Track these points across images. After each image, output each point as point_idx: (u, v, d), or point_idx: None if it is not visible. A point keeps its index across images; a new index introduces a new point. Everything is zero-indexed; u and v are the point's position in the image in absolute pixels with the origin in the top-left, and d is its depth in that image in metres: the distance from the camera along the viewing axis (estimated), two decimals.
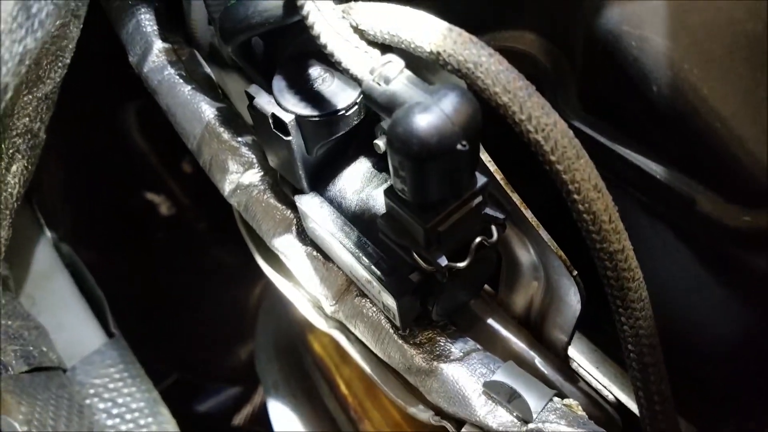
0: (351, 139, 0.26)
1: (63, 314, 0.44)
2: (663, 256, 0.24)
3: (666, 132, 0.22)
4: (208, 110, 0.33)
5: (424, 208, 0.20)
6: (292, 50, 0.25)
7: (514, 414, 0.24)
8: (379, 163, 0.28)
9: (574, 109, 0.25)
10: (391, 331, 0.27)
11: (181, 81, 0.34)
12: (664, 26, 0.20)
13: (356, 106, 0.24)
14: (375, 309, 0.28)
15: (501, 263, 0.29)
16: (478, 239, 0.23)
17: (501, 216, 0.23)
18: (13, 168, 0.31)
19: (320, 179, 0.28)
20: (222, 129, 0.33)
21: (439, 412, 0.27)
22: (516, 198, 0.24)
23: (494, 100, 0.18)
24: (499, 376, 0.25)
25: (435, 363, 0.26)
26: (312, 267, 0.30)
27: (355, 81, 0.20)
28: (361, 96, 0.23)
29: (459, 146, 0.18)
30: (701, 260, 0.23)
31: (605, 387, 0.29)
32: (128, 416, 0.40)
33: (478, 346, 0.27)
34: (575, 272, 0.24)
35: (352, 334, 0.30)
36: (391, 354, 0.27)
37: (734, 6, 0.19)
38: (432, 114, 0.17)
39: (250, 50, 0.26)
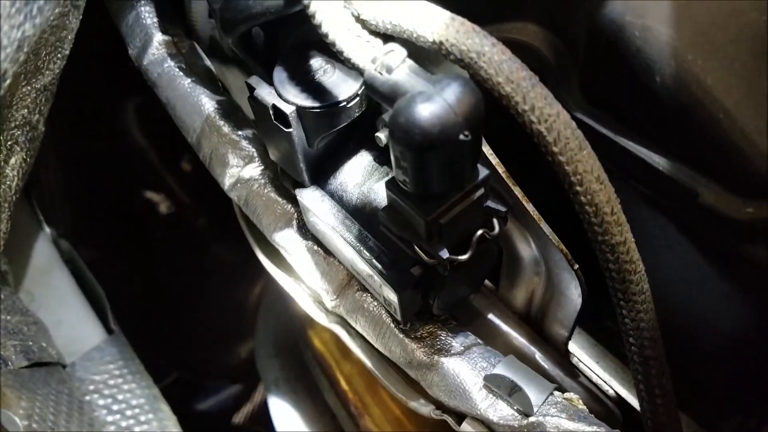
0: (352, 132, 0.26)
1: (62, 310, 0.44)
2: (665, 248, 0.24)
3: (669, 123, 0.22)
4: (208, 103, 0.33)
5: (425, 200, 0.20)
6: (293, 41, 0.25)
7: (515, 407, 0.24)
8: (381, 157, 0.28)
9: (577, 100, 0.25)
10: (392, 325, 0.27)
11: (181, 74, 0.34)
12: (668, 16, 0.20)
13: (358, 98, 0.24)
14: (376, 303, 0.28)
15: (502, 257, 0.29)
16: (479, 232, 0.23)
17: (503, 209, 0.23)
18: (12, 160, 0.31)
19: (321, 172, 0.28)
20: (222, 122, 0.33)
21: (439, 406, 0.27)
22: (518, 191, 0.24)
23: (497, 90, 0.17)
24: (500, 370, 0.24)
25: (436, 357, 0.26)
26: (313, 261, 0.30)
27: (357, 71, 0.20)
28: (363, 87, 0.23)
29: (461, 136, 0.18)
30: (703, 252, 0.23)
31: (605, 382, 0.29)
32: (128, 412, 0.40)
33: (479, 340, 0.27)
34: (576, 266, 0.24)
35: (353, 328, 0.30)
36: (392, 348, 0.27)
37: None
38: (434, 104, 0.17)
39: (250, 41, 0.26)
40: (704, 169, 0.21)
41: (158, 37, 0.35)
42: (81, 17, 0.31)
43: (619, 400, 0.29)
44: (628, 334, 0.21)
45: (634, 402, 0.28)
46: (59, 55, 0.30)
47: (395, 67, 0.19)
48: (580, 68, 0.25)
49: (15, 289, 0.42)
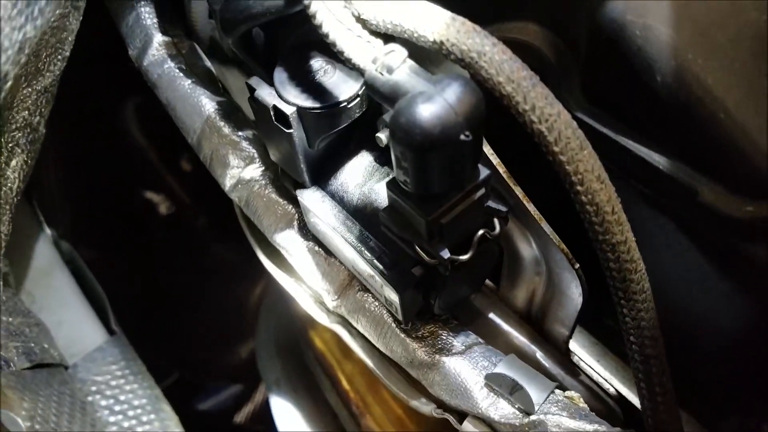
0: (353, 133, 0.26)
1: (63, 312, 0.44)
2: (665, 248, 0.24)
3: (669, 122, 0.22)
4: (208, 104, 0.33)
5: (426, 200, 0.20)
6: (294, 41, 0.25)
7: (516, 406, 0.24)
8: (381, 157, 0.28)
9: (578, 100, 0.25)
10: (393, 325, 0.27)
11: (181, 74, 0.34)
12: (669, 15, 0.20)
13: (358, 98, 0.24)
14: (377, 303, 0.28)
15: (503, 257, 0.29)
16: (480, 232, 0.23)
17: (503, 209, 0.23)
18: (13, 162, 0.31)
19: (322, 173, 0.28)
20: (222, 123, 0.33)
21: (441, 405, 0.27)
22: (518, 191, 0.24)
23: (498, 89, 0.17)
24: (501, 369, 0.25)
25: (437, 356, 0.26)
26: (314, 262, 0.30)
27: (358, 71, 0.20)
28: (364, 88, 0.23)
29: (462, 136, 0.18)
30: (703, 251, 0.23)
31: (606, 380, 0.29)
32: (131, 413, 0.40)
33: (480, 339, 0.27)
34: (577, 265, 0.24)
35: (354, 328, 0.30)
36: (393, 348, 0.27)
37: None
38: (435, 104, 0.17)
39: (250, 41, 0.26)
40: (704, 168, 0.21)
41: (158, 38, 0.35)
42: (81, 18, 0.31)
43: (619, 398, 0.29)
44: (628, 332, 0.21)
45: (635, 400, 0.28)
46: (60, 57, 0.30)
47: (396, 68, 0.19)
48: (580, 68, 0.25)
49: (16, 291, 0.43)
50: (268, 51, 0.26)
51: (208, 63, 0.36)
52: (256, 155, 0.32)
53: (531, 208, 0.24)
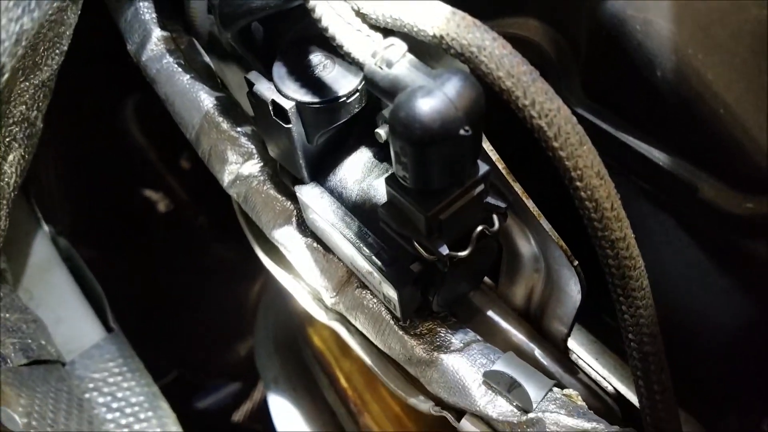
0: (352, 128, 0.26)
1: (61, 308, 0.44)
2: (665, 244, 0.24)
3: (669, 118, 0.22)
4: (207, 99, 0.33)
5: (425, 196, 0.20)
6: (293, 36, 0.25)
7: (514, 403, 0.24)
8: (380, 153, 0.27)
9: (578, 95, 0.25)
10: (392, 322, 0.27)
11: (180, 70, 0.34)
12: (669, 11, 0.20)
13: (357, 93, 0.24)
14: (375, 300, 0.28)
15: (501, 254, 0.29)
16: (479, 228, 0.23)
17: (502, 205, 0.23)
18: (10, 157, 0.31)
19: (321, 169, 0.28)
20: (221, 118, 0.33)
21: (439, 402, 0.27)
22: (518, 187, 0.24)
23: (498, 84, 0.17)
24: (499, 366, 0.24)
25: (435, 353, 0.26)
26: (312, 258, 0.30)
27: (357, 65, 0.20)
28: (363, 83, 0.23)
29: (462, 131, 0.17)
30: (703, 248, 0.23)
31: (604, 378, 0.29)
32: (128, 410, 0.40)
33: (478, 337, 0.27)
34: (576, 262, 0.24)
35: (353, 326, 0.30)
36: (391, 345, 0.27)
37: None
38: (435, 98, 0.17)
39: (249, 36, 0.26)
40: (704, 165, 0.21)
41: (157, 33, 0.35)
42: (79, 13, 0.31)
43: (618, 396, 0.29)
44: (627, 330, 0.21)
45: (633, 398, 0.28)
46: (57, 51, 0.30)
47: (395, 62, 0.19)
48: (581, 63, 0.25)
49: (14, 287, 0.42)
50: (267, 46, 0.26)
51: (207, 58, 0.36)
52: (254, 151, 0.32)
53: (530, 204, 0.24)
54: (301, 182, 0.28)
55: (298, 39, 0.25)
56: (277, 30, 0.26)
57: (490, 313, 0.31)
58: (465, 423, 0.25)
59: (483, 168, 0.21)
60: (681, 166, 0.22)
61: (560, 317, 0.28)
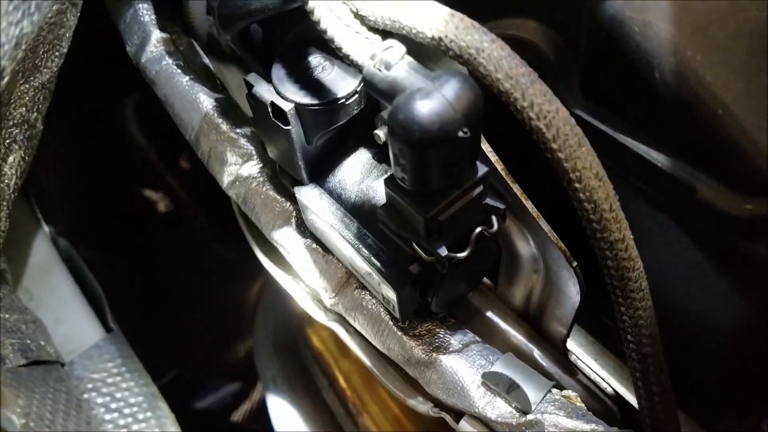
0: (351, 130, 0.26)
1: (61, 309, 0.44)
2: (663, 245, 0.24)
3: (668, 119, 0.22)
4: (206, 101, 0.33)
5: (424, 197, 0.20)
6: (292, 38, 0.25)
7: (513, 405, 0.24)
8: (379, 154, 0.27)
9: (576, 97, 0.25)
10: (391, 323, 0.27)
11: (179, 71, 0.34)
12: (668, 12, 0.20)
13: (356, 95, 0.24)
14: (374, 301, 0.28)
15: (500, 255, 0.29)
16: (478, 229, 0.23)
17: (501, 206, 0.23)
18: (10, 159, 0.31)
19: (320, 170, 0.28)
20: (220, 120, 0.33)
21: (438, 403, 0.27)
22: (517, 189, 0.24)
23: (496, 86, 0.17)
24: (498, 368, 0.24)
25: (434, 354, 0.26)
26: (311, 259, 0.30)
27: (356, 67, 0.20)
28: (362, 84, 0.23)
29: (460, 133, 0.17)
30: (702, 249, 0.23)
31: (603, 379, 0.29)
32: (126, 410, 0.40)
33: (477, 338, 0.27)
34: (575, 263, 0.24)
35: (352, 326, 0.30)
36: (390, 346, 0.27)
37: None
38: (433, 100, 0.17)
39: (248, 38, 0.26)
40: (703, 166, 0.21)
41: (156, 35, 0.35)
42: (79, 15, 0.31)
43: (617, 397, 0.29)
44: (626, 331, 0.21)
45: (632, 399, 0.28)
46: (57, 53, 0.30)
47: (394, 64, 0.19)
48: (579, 65, 0.25)
49: (13, 288, 0.42)
50: (266, 47, 0.26)
51: (206, 60, 0.36)
52: (254, 152, 0.32)
53: (529, 205, 0.24)
54: (301, 183, 0.28)
55: (297, 41, 0.25)
56: (276, 32, 0.26)
57: (489, 314, 0.31)
58: (464, 424, 0.25)
59: (482, 169, 0.21)
60: (680, 167, 0.22)
61: (559, 318, 0.28)
